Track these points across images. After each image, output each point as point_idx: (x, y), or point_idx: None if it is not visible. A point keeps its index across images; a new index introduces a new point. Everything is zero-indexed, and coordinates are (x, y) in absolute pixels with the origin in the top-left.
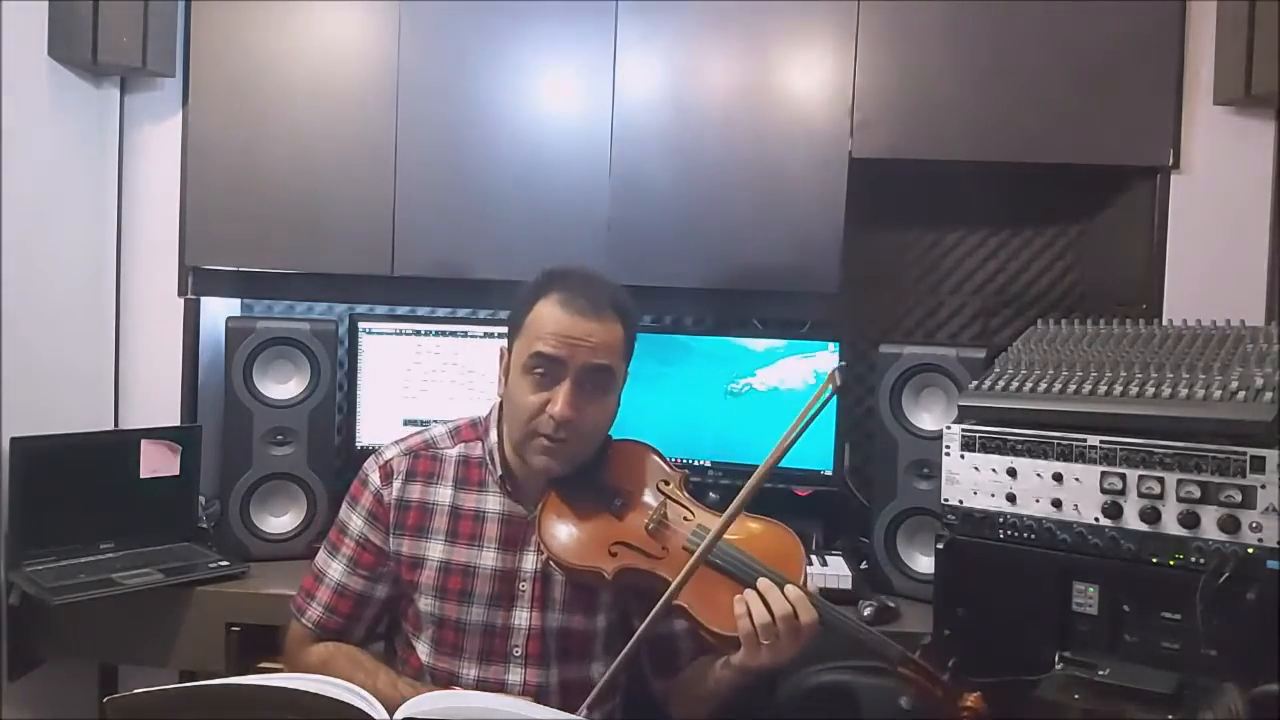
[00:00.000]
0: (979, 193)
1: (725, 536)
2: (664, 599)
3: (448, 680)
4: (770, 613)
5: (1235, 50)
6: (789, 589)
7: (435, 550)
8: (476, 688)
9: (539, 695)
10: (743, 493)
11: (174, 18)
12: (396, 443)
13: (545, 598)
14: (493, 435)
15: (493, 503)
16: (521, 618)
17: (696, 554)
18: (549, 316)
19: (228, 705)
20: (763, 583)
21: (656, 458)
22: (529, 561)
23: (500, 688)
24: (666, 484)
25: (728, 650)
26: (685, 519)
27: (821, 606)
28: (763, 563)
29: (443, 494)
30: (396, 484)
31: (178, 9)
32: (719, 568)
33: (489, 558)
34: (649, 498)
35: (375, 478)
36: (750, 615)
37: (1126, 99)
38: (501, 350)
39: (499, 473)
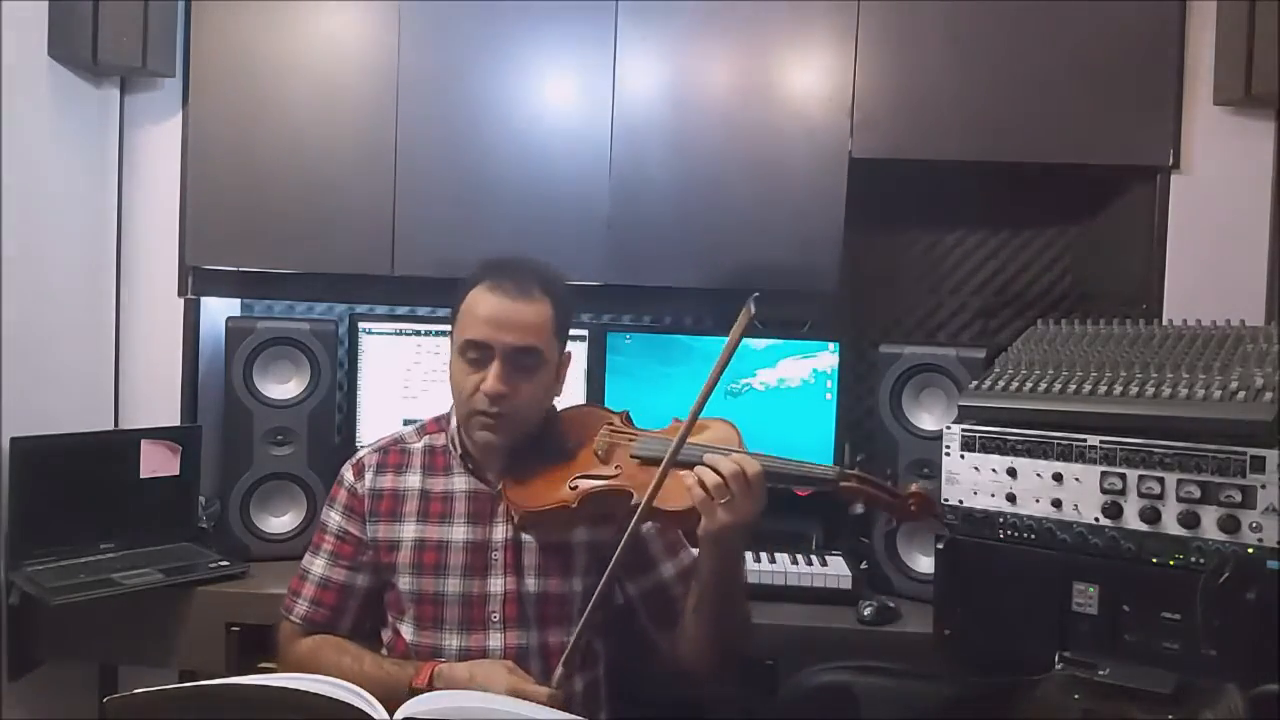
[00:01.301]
0: (979, 193)
1: (669, 438)
2: (643, 503)
3: (432, 654)
4: (720, 474)
5: (1235, 50)
6: (732, 455)
7: (409, 531)
8: (459, 657)
9: (520, 658)
10: (694, 405)
11: (174, 18)
12: (368, 445)
13: (518, 564)
14: (454, 423)
15: (459, 483)
16: (496, 584)
17: (665, 460)
18: (479, 303)
19: (228, 705)
20: (708, 457)
21: (601, 410)
22: (499, 532)
23: (482, 654)
24: (611, 424)
25: (689, 526)
26: (630, 440)
27: (761, 457)
28: (709, 447)
29: (412, 480)
30: (369, 476)
31: (178, 9)
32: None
33: (460, 532)
34: (597, 437)
35: (349, 475)
36: (702, 483)
37: (1126, 99)
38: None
39: (460, 453)
